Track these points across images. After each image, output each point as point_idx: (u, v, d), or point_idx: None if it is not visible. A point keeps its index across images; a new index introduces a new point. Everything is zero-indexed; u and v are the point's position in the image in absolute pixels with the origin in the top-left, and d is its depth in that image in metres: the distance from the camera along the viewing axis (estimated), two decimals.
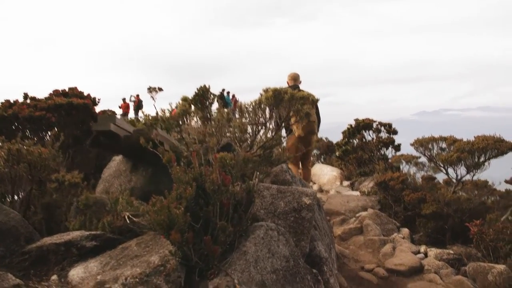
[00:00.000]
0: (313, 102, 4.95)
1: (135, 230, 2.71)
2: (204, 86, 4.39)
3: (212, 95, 4.45)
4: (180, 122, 4.08)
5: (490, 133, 8.05)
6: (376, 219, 6.54)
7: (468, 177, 8.19)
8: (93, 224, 2.98)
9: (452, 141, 8.37)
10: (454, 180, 8.28)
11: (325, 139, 17.82)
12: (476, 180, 8.90)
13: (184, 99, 4.31)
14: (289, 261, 2.50)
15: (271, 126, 4.23)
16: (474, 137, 8.14)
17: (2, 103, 6.48)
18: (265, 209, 3.09)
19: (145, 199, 2.66)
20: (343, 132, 13.32)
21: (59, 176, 3.69)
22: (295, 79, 6.33)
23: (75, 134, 6.11)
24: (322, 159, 17.27)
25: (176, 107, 4.39)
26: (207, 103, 4.37)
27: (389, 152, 12.29)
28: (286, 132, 6.05)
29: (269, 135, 4.18)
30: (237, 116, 4.33)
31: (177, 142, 4.12)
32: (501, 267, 4.53)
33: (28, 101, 6.89)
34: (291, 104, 4.19)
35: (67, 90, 8.18)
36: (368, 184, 10.15)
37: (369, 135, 12.59)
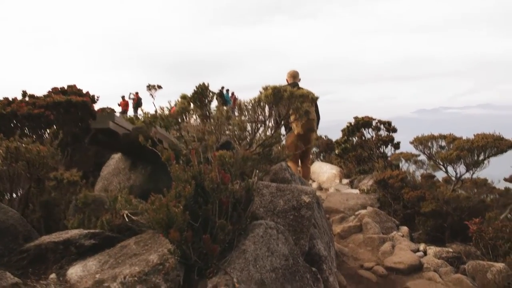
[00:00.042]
0: (313, 100, 4.94)
1: (134, 229, 2.70)
2: (203, 84, 4.38)
3: (211, 93, 4.44)
4: (179, 120, 4.07)
5: (490, 131, 8.05)
6: (375, 217, 6.54)
7: (467, 175, 8.21)
8: (92, 222, 2.97)
9: (451, 139, 8.37)
10: (454, 178, 8.29)
11: (324, 137, 17.82)
12: (476, 178, 8.91)
13: (183, 97, 4.30)
14: (289, 259, 2.49)
15: (270, 124, 4.23)
16: (474, 135, 8.14)
17: (0, 100, 6.46)
18: (264, 208, 3.08)
19: (144, 197, 2.65)
20: (343, 130, 13.32)
21: (58, 174, 3.68)
22: (294, 76, 6.31)
23: (74, 132, 6.09)
24: (321, 157, 17.27)
25: (175, 105, 4.38)
26: (206, 101, 4.36)
27: (389, 150, 12.30)
28: (285, 130, 6.05)
29: (268, 133, 4.17)
30: (236, 114, 4.32)
31: (176, 140, 4.11)
32: (500, 265, 4.53)
33: (27, 98, 6.86)
34: (291, 102, 4.18)
35: (66, 87, 8.15)
36: (367, 182, 10.15)
37: (368, 133, 12.60)
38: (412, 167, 11.01)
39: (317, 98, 4.96)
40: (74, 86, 8.24)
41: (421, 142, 8.77)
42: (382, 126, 12.43)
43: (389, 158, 11.91)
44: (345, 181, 11.61)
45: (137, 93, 22.13)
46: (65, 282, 2.21)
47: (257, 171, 2.78)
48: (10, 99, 6.76)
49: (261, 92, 4.14)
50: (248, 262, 2.20)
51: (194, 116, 4.35)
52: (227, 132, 4.11)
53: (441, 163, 8.34)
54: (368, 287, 4.40)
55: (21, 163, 3.31)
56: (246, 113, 4.17)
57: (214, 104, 4.51)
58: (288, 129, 6.01)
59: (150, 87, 24.35)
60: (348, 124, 13.04)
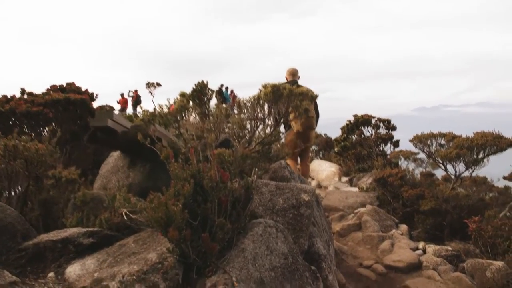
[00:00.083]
0: (312, 98, 4.92)
1: (132, 227, 2.69)
2: (202, 81, 4.36)
3: (210, 91, 4.42)
4: (178, 118, 4.06)
5: (489, 129, 8.04)
6: (374, 215, 6.54)
7: (467, 173, 8.20)
8: (91, 220, 2.96)
9: (451, 137, 8.36)
10: (453, 177, 8.28)
11: (323, 135, 17.81)
12: (475, 177, 8.91)
13: (182, 94, 4.28)
14: (288, 258, 2.48)
15: (269, 122, 4.21)
16: (473, 133, 8.13)
17: None
18: (263, 206, 3.07)
19: (143, 195, 2.64)
20: (342, 128, 13.31)
21: (56, 173, 3.67)
22: (293, 74, 6.30)
23: (72, 129, 6.09)
24: (320, 155, 17.27)
25: (174, 102, 4.36)
26: (205, 99, 4.34)
27: (388, 148, 12.31)
28: (284, 128, 6.04)
29: (267, 131, 4.16)
30: (235, 112, 4.30)
31: (175, 138, 4.10)
32: (499, 263, 4.53)
33: (26, 96, 6.86)
34: (290, 100, 4.16)
35: (64, 85, 8.14)
36: (366, 180, 10.15)
37: (367, 131, 12.59)
38: (412, 165, 11.00)
39: (316, 96, 4.95)
40: (73, 83, 8.23)
41: (420, 140, 8.76)
42: (381, 124, 12.42)
43: (388, 156, 11.91)
44: (344, 179, 11.61)
45: (136, 91, 22.11)
46: (64, 280, 2.20)
47: (256, 169, 2.77)
48: (9, 96, 6.75)
49: (260, 90, 4.12)
50: (247, 261, 2.19)
51: (193, 114, 4.33)
52: (226, 130, 4.10)
53: (441, 161, 8.34)
54: (367, 286, 4.40)
55: (19, 161, 3.30)
56: (245, 111, 4.16)
57: (213, 102, 4.50)
58: (288, 127, 6.00)
59: (149, 85, 24.31)
60: (348, 122, 13.03)
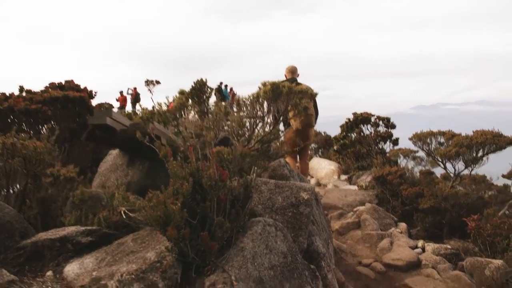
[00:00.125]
0: (312, 95, 4.91)
1: (131, 226, 2.68)
2: (201, 79, 4.34)
3: (209, 89, 4.40)
4: (177, 116, 4.04)
5: (489, 127, 8.03)
6: (373, 213, 6.54)
7: (466, 171, 8.20)
8: (89, 219, 2.95)
9: (450, 135, 8.36)
10: (452, 175, 8.29)
11: (323, 133, 17.80)
12: (474, 175, 8.91)
13: (181, 92, 4.26)
14: (287, 257, 2.48)
15: (269, 120, 4.20)
16: (473, 131, 8.12)
17: None
18: (262, 204, 3.06)
19: (142, 193, 2.63)
20: (341, 126, 13.30)
21: (55, 171, 3.65)
22: (292, 72, 6.28)
23: (71, 127, 6.07)
24: (320, 153, 17.26)
25: (173, 100, 4.34)
26: (204, 96, 4.32)
27: (387, 146, 12.31)
28: (284, 126, 6.02)
29: (267, 129, 4.14)
30: (234, 110, 4.29)
31: (174, 136, 4.08)
32: (498, 262, 4.53)
33: (24, 94, 6.83)
34: (289, 98, 4.15)
35: (63, 83, 8.11)
36: (366, 178, 10.15)
37: (367, 129, 12.58)
38: (411, 164, 11.02)
39: (316, 94, 4.93)
40: (72, 81, 8.20)
41: (420, 138, 8.76)
42: (380, 122, 12.42)
43: (387, 154, 11.91)
44: (343, 177, 11.61)
45: (135, 89, 22.07)
46: (62, 279, 2.19)
47: (256, 167, 2.76)
48: (7, 94, 6.72)
49: (260, 88, 4.11)
50: (246, 259, 2.18)
51: (192, 112, 4.31)
52: (225, 128, 4.08)
53: (440, 160, 8.34)
54: (366, 284, 4.40)
55: (18, 159, 3.29)
56: (244, 109, 4.14)
57: (213, 100, 4.48)
58: (287, 125, 5.98)
59: (148, 82, 24.25)
60: (347, 120, 13.01)
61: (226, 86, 22.24)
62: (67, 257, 2.43)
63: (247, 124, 4.12)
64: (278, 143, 4.47)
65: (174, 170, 2.28)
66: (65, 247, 2.47)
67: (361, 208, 6.83)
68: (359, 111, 12.89)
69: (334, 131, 15.10)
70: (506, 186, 9.69)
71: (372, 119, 12.46)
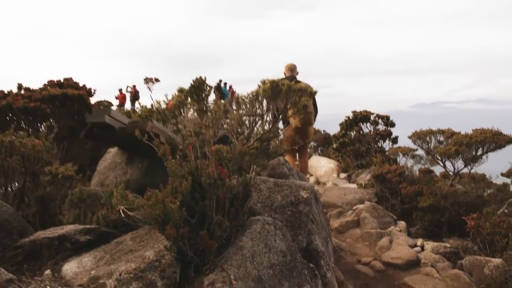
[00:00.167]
0: (311, 93, 4.89)
1: (130, 224, 2.67)
2: (200, 77, 4.32)
3: (208, 87, 4.38)
4: (176, 114, 4.02)
5: (488, 126, 8.02)
6: (373, 212, 6.54)
7: (465, 170, 8.20)
8: (88, 217, 2.94)
9: (450, 134, 8.35)
10: (452, 173, 8.28)
11: (322, 131, 17.80)
12: (474, 174, 8.92)
13: (180, 90, 4.25)
14: (286, 256, 2.47)
15: (268, 118, 4.18)
16: (472, 130, 8.12)
17: None
18: (262, 203, 3.05)
19: (141, 191, 2.62)
20: (341, 124, 13.29)
21: (53, 169, 3.64)
22: (292, 69, 6.27)
23: (70, 125, 6.04)
24: (319, 151, 17.27)
25: (172, 98, 4.33)
26: (203, 94, 4.30)
27: (387, 145, 12.30)
28: (283, 124, 6.01)
29: (266, 127, 4.13)
30: (234, 108, 4.27)
31: (173, 134, 4.07)
32: (497, 260, 4.53)
33: (23, 91, 6.80)
34: (289, 96, 4.13)
35: (62, 80, 8.08)
36: (365, 177, 10.15)
37: (366, 127, 12.58)
38: (410, 162, 11.01)
39: (315, 92, 4.92)
40: (71, 79, 8.16)
41: (419, 136, 8.75)
42: (380, 120, 12.41)
43: (387, 153, 11.90)
44: (342, 175, 11.61)
45: (134, 86, 22.04)
46: (60, 278, 2.18)
47: (255, 166, 2.75)
48: (6, 92, 6.69)
49: (259, 86, 4.09)
50: (245, 258, 2.17)
51: (191, 110, 4.30)
52: (224, 126, 4.07)
53: (439, 158, 8.33)
54: (365, 282, 4.40)
55: (16, 157, 3.27)
56: (244, 107, 4.13)
57: (212, 98, 4.46)
58: (286, 123, 5.97)
59: (147, 80, 24.20)
60: (346, 118, 13.01)
61: (225, 84, 22.22)
62: (66, 256, 2.42)
63: (246, 122, 4.11)
64: (277, 141, 4.46)
65: (173, 169, 2.26)
66: (64, 246, 2.46)
67: (360, 206, 6.83)
68: (359, 109, 12.89)
69: (333, 129, 15.08)
70: (505, 185, 9.70)
71: (372, 117, 12.46)
